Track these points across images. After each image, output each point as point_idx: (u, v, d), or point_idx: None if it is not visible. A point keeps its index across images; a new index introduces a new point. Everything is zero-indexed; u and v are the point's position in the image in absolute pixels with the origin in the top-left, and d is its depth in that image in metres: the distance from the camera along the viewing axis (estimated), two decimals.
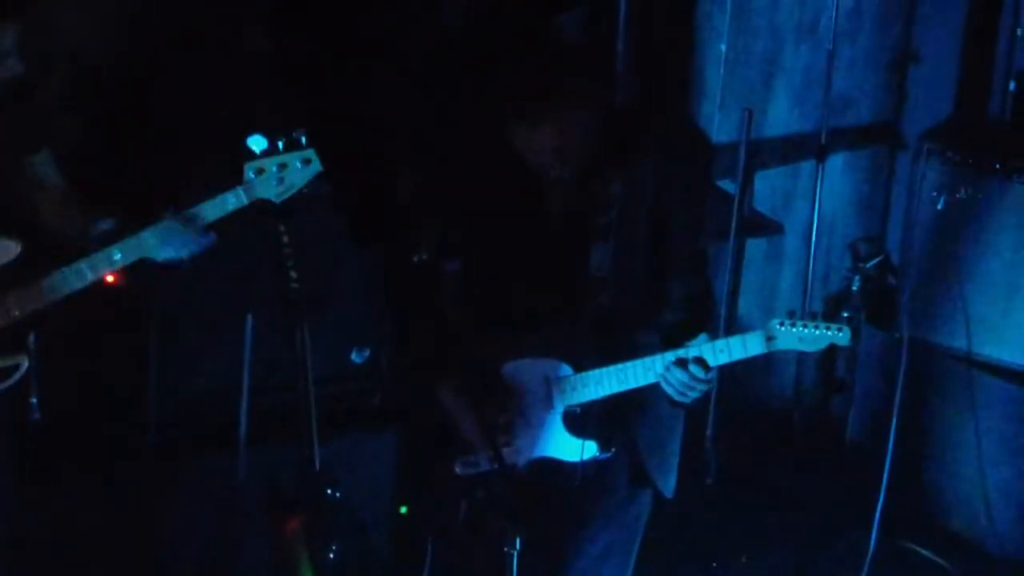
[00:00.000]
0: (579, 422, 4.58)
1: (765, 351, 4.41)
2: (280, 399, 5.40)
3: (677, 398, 4.47)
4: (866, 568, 5.97)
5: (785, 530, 6.31)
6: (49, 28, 5.21)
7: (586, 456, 4.57)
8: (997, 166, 6.00)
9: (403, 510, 5.46)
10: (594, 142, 4.40)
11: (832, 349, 4.59)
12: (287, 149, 4.45)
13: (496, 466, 4.48)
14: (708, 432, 6.32)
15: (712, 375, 4.43)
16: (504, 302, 4.60)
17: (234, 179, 4.47)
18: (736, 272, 6.62)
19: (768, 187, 6.70)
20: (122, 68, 5.69)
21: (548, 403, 4.57)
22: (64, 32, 5.52)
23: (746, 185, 6.41)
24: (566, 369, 4.55)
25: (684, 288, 4.58)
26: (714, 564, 6.09)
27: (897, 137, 6.58)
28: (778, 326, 4.40)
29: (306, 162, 4.46)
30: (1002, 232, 6.02)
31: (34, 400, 4.66)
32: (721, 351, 4.41)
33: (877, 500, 5.97)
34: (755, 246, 6.76)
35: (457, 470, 4.62)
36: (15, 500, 4.87)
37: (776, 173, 6.72)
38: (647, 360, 4.45)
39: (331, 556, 5.19)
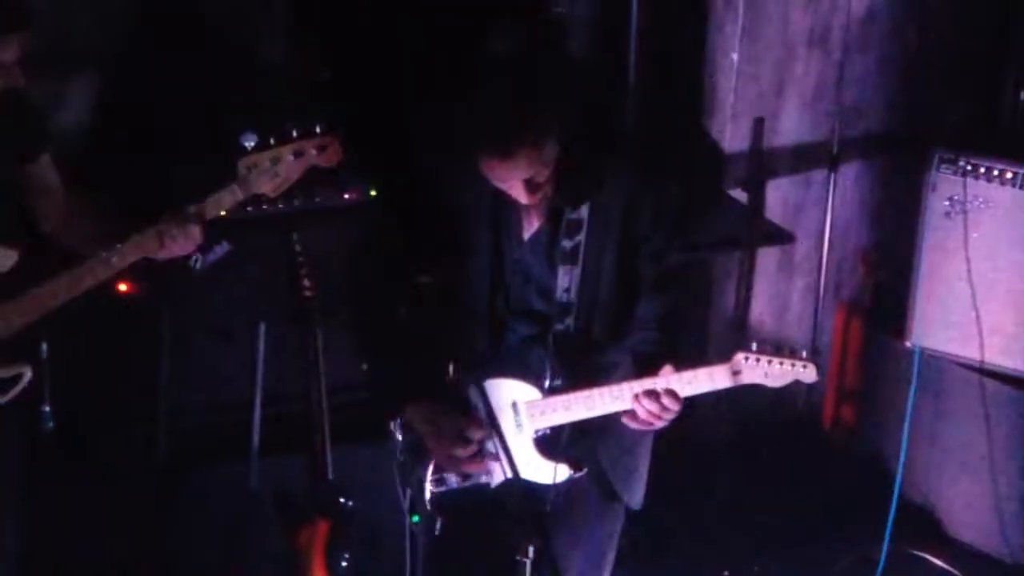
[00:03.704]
0: (550, 445, 4.56)
1: (731, 385, 4.40)
2: (292, 409, 5.40)
3: (644, 427, 4.46)
4: None
5: (796, 540, 6.30)
6: (58, 35, 5.23)
7: (559, 479, 4.56)
8: (1009, 174, 5.99)
9: (415, 519, 5.46)
10: (563, 169, 4.37)
11: None
12: (279, 144, 4.46)
13: (465, 485, 4.50)
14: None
15: (680, 405, 4.41)
16: (473, 324, 4.59)
17: (229, 177, 4.48)
18: (748, 282, 6.62)
19: (779, 196, 6.69)
20: (122, 69, 5.71)
21: (518, 426, 4.57)
22: (68, 37, 5.54)
23: (757, 194, 6.41)
24: (534, 393, 4.54)
25: (652, 309, 4.55)
26: (725, 573, 6.08)
27: (908, 145, 6.57)
28: (743, 360, 4.38)
29: (298, 155, 4.45)
30: (1015, 241, 6.01)
31: (47, 408, 4.67)
32: (688, 383, 4.40)
33: (888, 509, 5.97)
34: (767, 256, 6.76)
35: (430, 488, 4.61)
36: (26, 510, 4.87)
37: (787, 182, 6.72)
38: (615, 388, 4.43)
39: (344, 565, 5.18)
